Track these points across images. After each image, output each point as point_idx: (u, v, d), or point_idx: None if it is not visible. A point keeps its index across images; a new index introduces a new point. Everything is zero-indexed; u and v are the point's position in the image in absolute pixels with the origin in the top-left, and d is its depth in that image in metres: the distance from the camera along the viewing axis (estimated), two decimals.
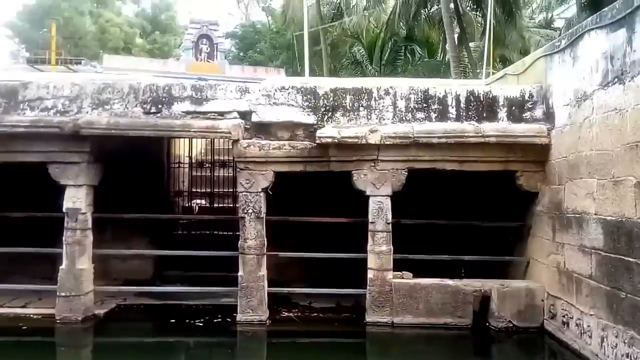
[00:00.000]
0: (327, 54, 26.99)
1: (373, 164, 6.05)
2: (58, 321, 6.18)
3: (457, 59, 18.36)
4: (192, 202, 9.82)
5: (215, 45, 23.93)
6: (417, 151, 5.97)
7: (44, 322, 6.24)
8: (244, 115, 6.31)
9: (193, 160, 9.67)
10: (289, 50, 31.02)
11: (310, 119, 6.24)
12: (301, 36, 25.01)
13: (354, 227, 6.57)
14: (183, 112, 6.28)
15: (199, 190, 9.42)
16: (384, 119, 6.17)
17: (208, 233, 9.06)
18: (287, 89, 6.28)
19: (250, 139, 6.27)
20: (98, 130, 6.02)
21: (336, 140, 5.89)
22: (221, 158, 9.48)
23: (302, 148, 6.14)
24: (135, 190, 7.59)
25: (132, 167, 7.60)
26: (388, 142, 5.87)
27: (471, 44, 24.27)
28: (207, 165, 9.37)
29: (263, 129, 6.34)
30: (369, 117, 6.19)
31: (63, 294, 6.20)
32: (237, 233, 8.88)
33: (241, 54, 35.96)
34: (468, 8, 24.72)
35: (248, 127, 6.29)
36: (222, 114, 6.29)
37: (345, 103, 6.22)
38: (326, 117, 6.23)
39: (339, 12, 26.62)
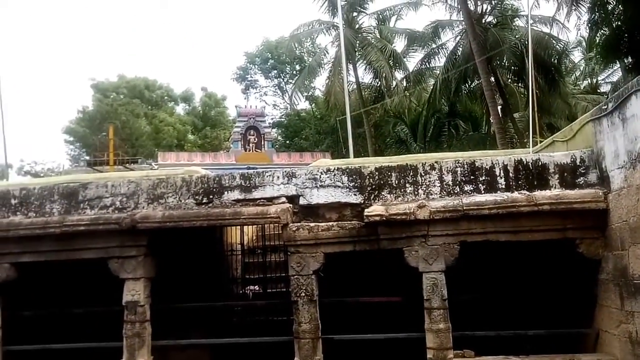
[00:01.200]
0: (371, 135, 27.54)
1: (424, 240, 5.99)
2: None
3: (503, 130, 18.36)
4: (246, 288, 9.88)
5: (262, 136, 24.90)
6: (468, 224, 5.89)
7: None
8: (292, 199, 6.45)
9: (245, 247, 9.84)
10: (332, 135, 31.88)
11: (357, 198, 6.31)
12: (344, 120, 25.76)
13: (410, 305, 6.44)
14: (233, 200, 6.48)
15: (251, 277, 9.46)
16: (431, 194, 6.17)
17: (263, 319, 9.05)
18: (333, 171, 6.42)
19: (299, 222, 6.36)
20: (153, 223, 6.27)
21: (384, 218, 5.90)
22: (272, 243, 9.63)
23: (350, 228, 6.17)
24: (191, 281, 7.74)
25: (188, 258, 7.81)
26: (437, 217, 5.83)
27: (515, 115, 24.36)
28: (258, 251, 9.46)
29: (311, 212, 6.43)
30: (416, 192, 6.20)
31: None
32: (291, 317, 8.93)
33: (287, 141, 37.22)
34: (509, 80, 25.03)
35: (296, 210, 6.40)
36: (270, 199, 6.46)
37: (391, 181, 6.28)
38: (372, 195, 6.28)
39: (380, 95, 27.38)
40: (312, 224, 6.28)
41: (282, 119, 40.14)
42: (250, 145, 24.92)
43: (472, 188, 6.14)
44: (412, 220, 5.89)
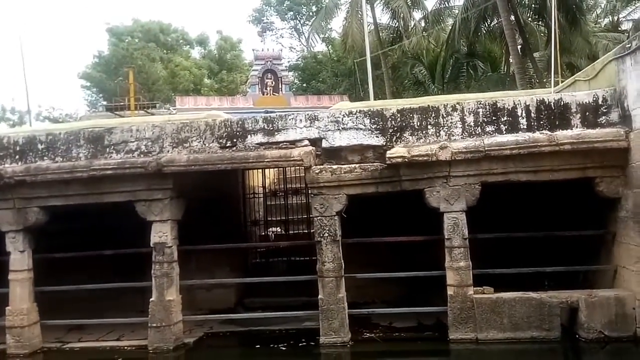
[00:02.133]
0: (389, 77, 27.12)
1: (445, 181, 6.04)
2: (151, 351, 6.50)
3: (522, 70, 17.92)
4: (268, 230, 10.11)
5: (279, 79, 24.66)
6: (489, 164, 5.92)
7: (137, 353, 6.61)
8: (315, 142, 6.51)
9: (267, 190, 10.02)
10: (350, 77, 31.44)
11: (379, 140, 6.34)
12: (362, 62, 25.34)
13: (429, 244, 6.59)
14: (257, 144, 6.55)
15: (274, 219, 9.66)
16: (453, 135, 6.17)
17: (285, 259, 9.32)
18: (355, 114, 6.42)
19: (322, 164, 6.43)
20: (179, 167, 6.38)
21: (406, 160, 5.94)
22: (293, 186, 9.78)
23: (373, 170, 6.23)
24: (215, 222, 7.94)
25: (211, 200, 7.98)
26: (459, 158, 5.85)
27: (536, 54, 23.71)
28: (280, 193, 9.61)
29: (333, 154, 6.50)
30: (438, 134, 6.21)
31: (154, 325, 6.52)
32: (314, 258, 9.17)
33: (304, 84, 36.82)
34: (529, 19, 24.24)
35: (319, 153, 6.47)
36: (293, 142, 6.52)
37: (413, 122, 6.28)
38: (394, 137, 6.30)
39: (398, 35, 26.77)
40: (334, 166, 6.35)
41: (299, 62, 39.56)
42: (268, 88, 24.74)
43: (493, 129, 6.13)
44: (433, 162, 5.93)
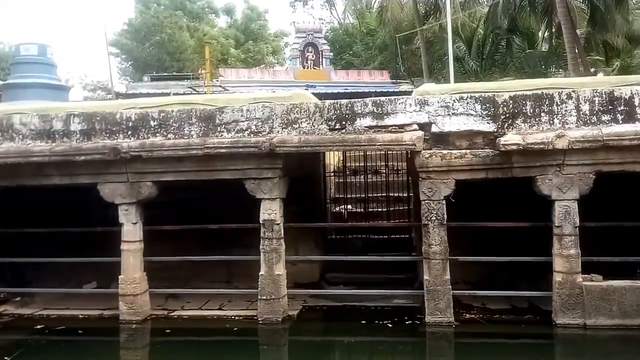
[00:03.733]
0: (426, 52, 26.86)
1: (558, 169, 6.15)
2: (260, 322, 6.78)
3: (574, 49, 17.69)
4: (340, 207, 10.33)
5: (320, 53, 24.57)
6: (605, 154, 6.01)
7: (246, 323, 6.86)
8: (423, 126, 6.62)
9: (336, 169, 10.24)
10: (384, 51, 31.19)
11: (490, 127, 6.44)
12: (403, 37, 25.11)
13: (528, 231, 6.75)
14: (365, 127, 6.67)
15: (355, 196, 9.86)
16: (567, 124, 6.26)
17: (361, 237, 9.55)
18: (466, 99, 6.51)
19: (430, 149, 6.56)
20: (290, 147, 6.53)
21: (521, 147, 6.04)
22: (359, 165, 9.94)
23: (484, 156, 6.35)
24: (300, 199, 8.10)
25: (299, 179, 8.15)
26: (576, 147, 5.94)
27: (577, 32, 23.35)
28: (360, 173, 9.79)
29: (441, 139, 6.61)
30: (552, 122, 6.30)
31: (264, 298, 6.78)
32: (391, 236, 9.39)
33: (335, 57, 36.55)
34: None
35: (427, 137, 6.58)
36: (402, 126, 6.63)
37: (526, 109, 6.36)
38: (506, 124, 6.40)
39: (436, 8, 26.44)
40: (444, 151, 6.47)
41: (328, 34, 39.22)
42: (309, 62, 24.70)
43: (609, 118, 6.20)
44: (548, 150, 6.02)
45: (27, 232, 7.76)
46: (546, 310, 6.57)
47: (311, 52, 24.62)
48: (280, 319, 6.76)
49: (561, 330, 6.15)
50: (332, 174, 9.96)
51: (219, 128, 6.90)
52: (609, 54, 26.32)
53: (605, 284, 6.13)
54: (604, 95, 6.22)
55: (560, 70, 25.67)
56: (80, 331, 6.92)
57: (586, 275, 6.18)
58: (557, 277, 6.22)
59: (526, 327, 6.44)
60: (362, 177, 9.99)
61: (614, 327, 6.04)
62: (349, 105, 6.74)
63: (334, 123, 6.74)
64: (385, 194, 9.84)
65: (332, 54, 27.52)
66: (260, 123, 6.84)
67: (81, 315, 7.42)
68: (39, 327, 7.08)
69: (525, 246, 6.79)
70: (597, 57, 26.85)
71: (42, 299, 8.07)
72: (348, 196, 10.04)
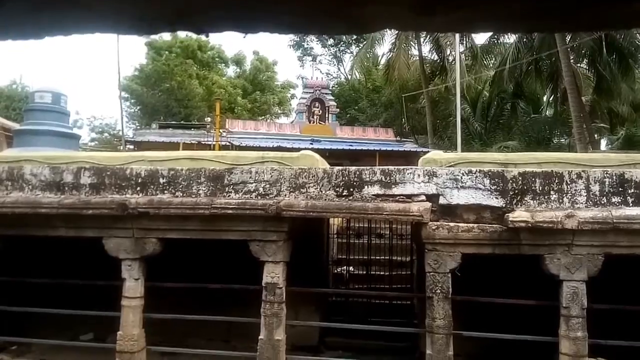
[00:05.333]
0: (431, 112, 27.33)
1: (567, 249, 6.12)
2: None
3: (580, 117, 17.97)
4: (342, 269, 10.24)
5: (327, 108, 24.97)
6: (615, 236, 5.99)
7: None
8: (430, 197, 6.63)
9: (338, 231, 10.22)
10: (389, 109, 31.71)
11: (498, 202, 6.46)
12: (409, 96, 25.57)
13: (533, 308, 6.67)
14: (373, 195, 6.70)
15: (356, 258, 9.79)
16: (576, 203, 6.27)
17: (363, 301, 9.43)
18: (474, 173, 6.56)
19: (437, 220, 6.55)
20: (297, 212, 6.53)
21: (530, 225, 6.03)
22: (370, 227, 9.92)
23: (491, 231, 6.34)
24: (303, 261, 8.05)
25: (303, 240, 8.11)
26: (585, 228, 5.93)
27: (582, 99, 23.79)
28: (363, 237, 9.75)
29: (449, 211, 6.62)
30: (561, 200, 6.31)
31: None
32: (393, 302, 9.27)
33: (340, 112, 37.14)
34: (578, 64, 24.39)
35: (434, 209, 6.59)
36: (409, 196, 6.65)
37: (535, 187, 6.39)
38: (515, 200, 6.42)
39: (442, 70, 27.06)
40: (452, 224, 6.46)
41: (334, 88, 39.99)
42: (315, 117, 25.04)
43: (619, 200, 6.22)
44: (558, 229, 6.00)
45: (28, 281, 7.68)
46: None
47: (318, 107, 25.03)
48: None
49: None
50: (335, 235, 9.93)
51: (227, 188, 6.93)
52: (614, 121, 26.68)
53: None
54: (614, 177, 6.26)
55: (565, 136, 26.00)
56: None
57: (592, 359, 6.05)
58: None
59: None
60: (365, 239, 9.95)
61: None
62: (357, 172, 6.79)
63: (341, 189, 6.77)
64: (388, 257, 9.77)
65: (338, 109, 28.01)
66: (268, 185, 6.88)
67: None
68: None
69: (530, 323, 6.70)
70: (602, 125, 27.25)
71: (39, 349, 7.93)
72: (350, 257, 9.96)
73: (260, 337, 6.71)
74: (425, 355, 6.55)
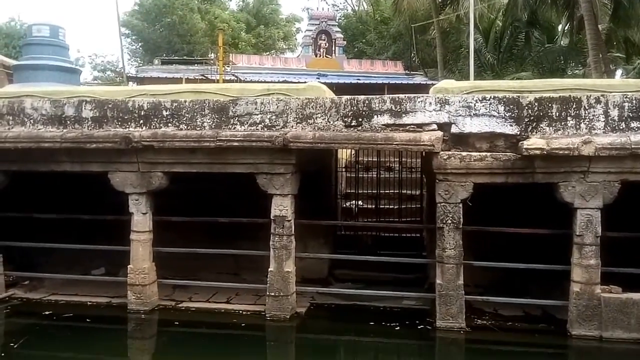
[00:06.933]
0: (441, 43, 26.50)
1: (582, 176, 5.96)
2: (268, 318, 6.69)
3: (597, 47, 17.27)
4: (350, 203, 10.15)
5: (333, 41, 24.26)
6: (633, 163, 5.81)
7: (254, 318, 6.79)
8: (442, 126, 6.43)
9: (347, 165, 10.08)
10: (398, 41, 30.79)
11: (513, 129, 6.25)
12: (419, 27, 24.71)
13: (545, 237, 6.61)
14: (383, 125, 6.49)
15: (366, 192, 9.68)
16: (594, 129, 6.06)
17: (371, 234, 9.40)
18: (489, 100, 6.31)
19: (449, 150, 6.38)
20: (305, 143, 6.37)
21: (545, 152, 5.84)
22: (379, 160, 9.74)
23: (504, 160, 6.16)
24: (311, 195, 7.95)
25: (311, 174, 7.99)
26: (602, 154, 5.74)
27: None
28: (373, 169, 9.61)
29: (460, 140, 6.43)
30: (578, 126, 6.09)
31: (272, 294, 6.67)
32: (402, 235, 9.25)
33: (348, 45, 36.18)
34: None
35: (446, 138, 6.40)
36: (420, 126, 6.45)
37: (552, 113, 6.16)
38: (530, 127, 6.20)
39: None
40: (464, 154, 6.29)
41: (341, 20, 38.79)
42: (321, 50, 24.36)
43: (638, 125, 5.99)
44: (574, 156, 5.82)
45: (36, 217, 7.69)
46: (560, 319, 6.42)
47: (324, 40, 24.29)
48: (288, 316, 6.66)
49: (576, 342, 6.00)
50: (344, 169, 9.78)
51: (232, 120, 6.74)
52: (630, 50, 25.82)
53: (625, 296, 5.96)
54: (634, 101, 6.01)
55: (579, 66, 25.26)
56: (88, 319, 6.87)
57: (605, 287, 6.02)
58: (575, 287, 6.06)
59: (540, 337, 6.29)
60: (374, 173, 9.81)
61: (632, 340, 5.88)
62: (367, 101, 6.56)
63: (350, 119, 6.56)
64: (397, 191, 9.66)
65: (345, 42, 27.22)
66: (274, 117, 6.68)
67: (89, 302, 7.38)
68: (47, 312, 7.04)
69: (540, 252, 6.66)
70: (617, 54, 26.40)
71: (51, 284, 8.02)
72: (359, 192, 9.86)
73: (270, 269, 6.73)
74: (434, 285, 6.56)
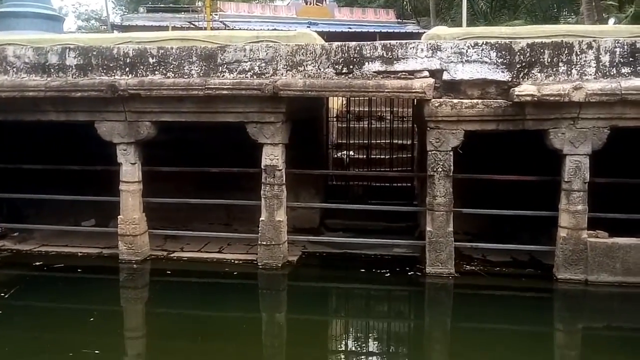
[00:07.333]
0: None
1: (572, 122, 5.95)
2: (260, 267, 6.76)
3: None
4: (341, 153, 10.13)
5: None
6: (622, 109, 5.78)
7: (246, 267, 6.85)
8: (433, 73, 6.34)
9: (337, 114, 9.99)
10: None
11: (505, 76, 6.18)
12: None
13: (532, 185, 6.66)
14: (374, 72, 6.40)
15: (357, 142, 9.64)
16: (585, 75, 6.01)
17: (362, 184, 9.42)
18: (481, 46, 6.22)
19: (440, 97, 6.32)
20: (295, 91, 6.28)
21: (536, 98, 5.80)
22: (370, 110, 9.66)
23: (496, 107, 6.12)
24: (302, 144, 7.91)
25: (302, 123, 7.92)
26: (593, 100, 5.71)
27: None
28: (364, 118, 9.54)
29: (452, 88, 6.36)
30: (569, 72, 6.04)
31: (264, 243, 6.72)
32: (393, 184, 9.28)
33: None
34: None
35: (437, 85, 6.33)
36: (412, 73, 6.35)
37: (543, 58, 6.08)
38: (522, 73, 6.14)
39: None
40: (455, 101, 6.24)
41: None
42: None
43: (629, 71, 5.95)
44: (564, 102, 5.79)
45: (24, 168, 7.62)
46: (547, 264, 6.53)
47: None
48: (280, 265, 6.73)
49: (562, 285, 6.14)
50: (335, 118, 9.71)
51: (220, 68, 6.61)
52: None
53: (611, 241, 6.06)
54: (625, 46, 5.94)
55: (572, 14, 24.90)
56: (79, 269, 6.91)
57: (591, 232, 6.11)
58: (562, 233, 6.15)
59: (526, 281, 6.43)
60: (365, 122, 9.74)
61: (616, 284, 6.01)
62: (357, 48, 6.44)
63: (340, 67, 6.46)
64: (388, 141, 9.63)
65: None
66: (263, 64, 6.56)
67: (80, 253, 7.39)
68: (37, 263, 7.06)
69: (529, 201, 6.71)
70: (610, 2, 25.97)
71: (41, 236, 8.02)
72: (350, 142, 9.82)
73: (261, 218, 6.75)
74: (425, 233, 6.63)
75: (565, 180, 6.07)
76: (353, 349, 5.10)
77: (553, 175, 6.31)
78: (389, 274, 6.68)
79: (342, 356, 5.03)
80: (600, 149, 5.98)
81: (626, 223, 6.47)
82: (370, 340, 5.35)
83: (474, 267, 6.77)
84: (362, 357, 4.92)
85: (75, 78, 6.74)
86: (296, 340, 5.18)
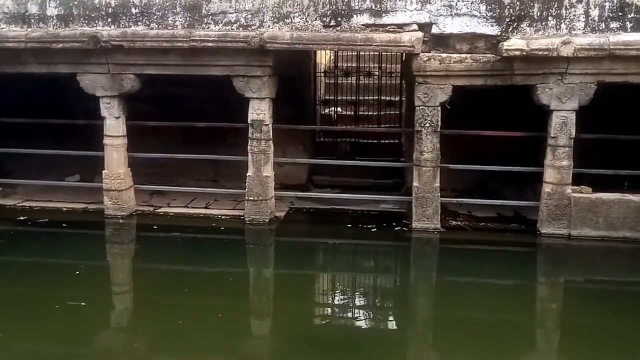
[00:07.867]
0: None
1: (560, 78, 5.93)
2: (247, 222, 6.77)
3: None
4: (329, 109, 10.04)
5: None
6: (610, 64, 5.77)
7: (233, 222, 6.87)
8: (423, 27, 6.26)
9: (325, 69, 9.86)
10: None
11: (494, 30, 6.12)
12: None
13: (517, 141, 6.69)
14: (362, 25, 6.30)
15: (345, 98, 9.56)
16: (574, 29, 5.97)
17: (349, 140, 9.39)
18: None
19: (429, 52, 6.25)
20: (282, 44, 6.17)
21: (524, 53, 5.76)
22: (358, 65, 9.54)
23: (484, 61, 6.08)
24: (289, 100, 7.82)
25: (289, 78, 7.81)
26: (581, 55, 5.68)
27: None
28: (352, 74, 9.43)
29: (441, 42, 6.29)
30: (558, 27, 5.99)
31: (251, 199, 6.71)
32: (380, 141, 9.27)
33: None
34: None
35: (426, 39, 6.25)
36: (401, 26, 6.26)
37: (533, 12, 6.02)
38: (511, 27, 6.08)
39: None
40: (443, 55, 6.17)
41: None
42: None
43: (618, 26, 5.92)
44: (552, 57, 5.76)
45: (5, 122, 7.47)
46: (531, 219, 6.62)
47: None
48: (267, 220, 6.75)
49: (545, 240, 6.24)
50: (323, 74, 9.58)
51: (205, 19, 6.47)
52: None
53: (594, 196, 6.13)
54: (615, 1, 5.89)
55: None
56: (64, 224, 6.86)
57: (576, 187, 6.17)
58: (547, 188, 6.21)
59: (510, 236, 6.52)
60: (353, 78, 9.63)
61: (598, 238, 6.12)
62: (346, 0, 6.31)
63: (328, 19, 6.34)
64: (376, 97, 9.56)
65: None
66: (250, 16, 6.42)
67: (65, 208, 7.34)
68: (21, 218, 6.99)
69: (515, 158, 6.74)
70: None
71: (24, 190, 7.92)
72: (338, 98, 9.73)
73: (248, 174, 6.72)
74: (411, 189, 6.66)
75: (552, 135, 6.09)
76: (339, 303, 5.18)
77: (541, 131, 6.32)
78: (375, 229, 6.73)
79: (329, 310, 5.11)
80: (586, 104, 5.98)
81: (608, 178, 6.56)
82: (356, 294, 5.43)
83: (459, 222, 6.85)
84: (349, 310, 5.00)
85: (56, 29, 6.56)
86: (283, 294, 5.23)
